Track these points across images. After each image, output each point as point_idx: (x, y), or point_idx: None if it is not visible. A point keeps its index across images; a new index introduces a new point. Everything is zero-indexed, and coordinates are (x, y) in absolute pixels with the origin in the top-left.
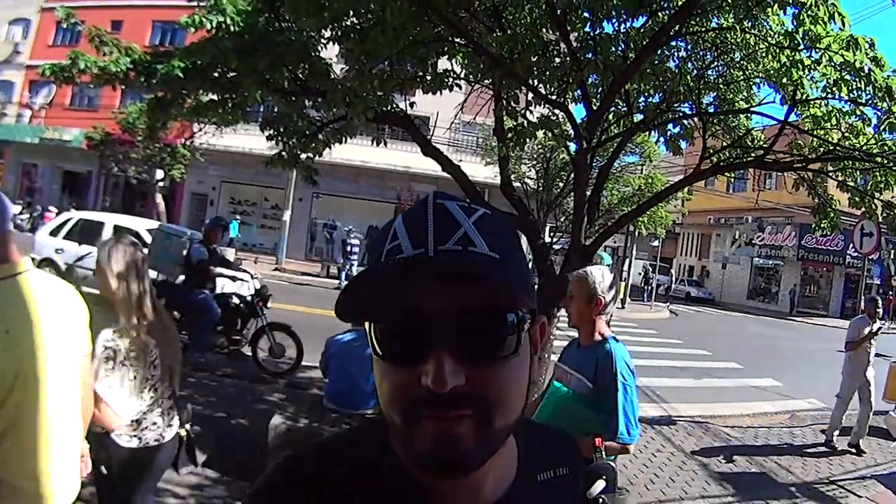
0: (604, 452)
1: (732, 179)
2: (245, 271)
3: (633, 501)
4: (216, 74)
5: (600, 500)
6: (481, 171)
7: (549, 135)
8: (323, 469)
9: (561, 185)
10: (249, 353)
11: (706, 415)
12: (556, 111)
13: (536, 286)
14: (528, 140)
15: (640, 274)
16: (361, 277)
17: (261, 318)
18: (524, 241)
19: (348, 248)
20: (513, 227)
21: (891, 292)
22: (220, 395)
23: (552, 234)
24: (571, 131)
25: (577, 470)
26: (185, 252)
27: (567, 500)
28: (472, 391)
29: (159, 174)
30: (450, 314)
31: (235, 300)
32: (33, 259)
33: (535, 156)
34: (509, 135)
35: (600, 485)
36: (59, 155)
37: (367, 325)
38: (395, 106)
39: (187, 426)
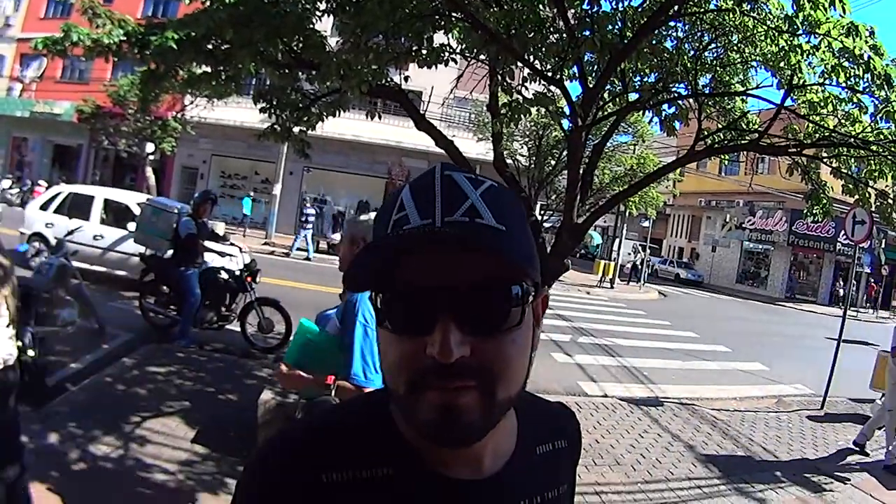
0: (334, 390)
1: (725, 162)
2: (234, 245)
3: None
4: (210, 46)
5: None
6: (474, 147)
7: (543, 112)
8: (320, 442)
9: (553, 162)
10: (238, 329)
11: (693, 397)
12: (552, 88)
13: None
14: (521, 117)
15: (629, 254)
16: (368, 249)
17: (249, 293)
18: None
19: (303, 218)
20: (518, 201)
21: (872, 280)
22: (209, 370)
23: (543, 211)
24: (566, 109)
25: (574, 444)
26: (173, 226)
27: (564, 473)
28: (476, 362)
29: (149, 147)
30: (456, 285)
31: (224, 275)
32: (23, 233)
33: (527, 133)
34: (503, 111)
35: None
36: (49, 128)
37: (373, 295)
38: (389, 80)
39: (30, 352)
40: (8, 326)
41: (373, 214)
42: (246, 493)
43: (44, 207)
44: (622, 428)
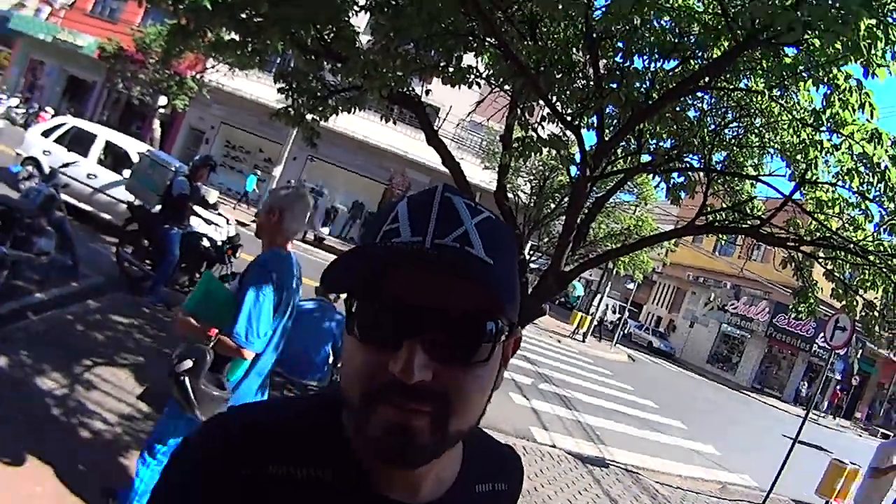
0: (214, 342)
1: (722, 242)
2: (222, 216)
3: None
4: (243, 16)
5: (181, 378)
6: (479, 173)
7: (553, 154)
8: (260, 435)
9: (552, 206)
10: None
11: (640, 466)
12: (568, 132)
13: None
14: (532, 154)
15: (605, 311)
16: (354, 253)
17: (226, 266)
18: None
19: None
20: (512, 237)
21: (839, 388)
22: (170, 332)
23: (532, 252)
24: (577, 156)
25: (515, 490)
26: (167, 182)
27: None
28: (436, 389)
29: (162, 100)
30: (432, 308)
31: (206, 242)
32: (19, 154)
33: (533, 171)
34: (516, 144)
35: (187, 363)
36: (68, 58)
37: (347, 300)
38: (411, 89)
39: None
40: None
41: (294, 188)
42: (169, 474)
43: (45, 134)
44: (563, 482)
